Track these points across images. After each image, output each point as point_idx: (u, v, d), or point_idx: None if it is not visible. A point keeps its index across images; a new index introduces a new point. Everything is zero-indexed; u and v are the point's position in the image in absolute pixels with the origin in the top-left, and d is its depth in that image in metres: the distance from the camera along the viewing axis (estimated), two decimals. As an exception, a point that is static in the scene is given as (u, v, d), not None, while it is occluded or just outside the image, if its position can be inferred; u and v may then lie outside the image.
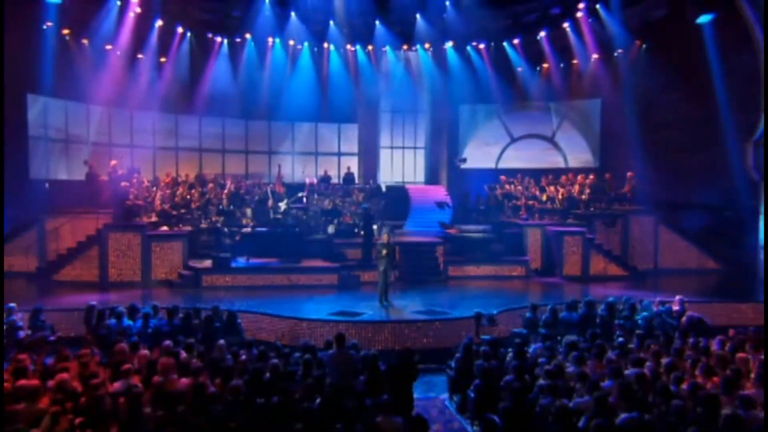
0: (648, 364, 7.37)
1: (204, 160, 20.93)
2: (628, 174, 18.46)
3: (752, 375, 7.10)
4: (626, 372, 7.03)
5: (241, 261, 15.51)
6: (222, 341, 8.52)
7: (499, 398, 7.00)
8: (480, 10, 17.86)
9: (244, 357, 8.28)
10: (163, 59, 18.43)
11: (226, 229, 16.14)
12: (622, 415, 5.55)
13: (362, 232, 16.42)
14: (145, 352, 8.10)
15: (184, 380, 6.72)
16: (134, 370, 7.17)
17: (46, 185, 16.48)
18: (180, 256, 15.47)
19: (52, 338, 10.21)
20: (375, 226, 16.78)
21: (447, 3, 17.90)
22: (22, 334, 10.35)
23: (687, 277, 16.93)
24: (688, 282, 16.09)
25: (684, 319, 11.02)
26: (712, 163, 17.56)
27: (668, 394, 6.12)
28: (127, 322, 10.62)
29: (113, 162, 17.11)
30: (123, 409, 6.09)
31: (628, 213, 17.76)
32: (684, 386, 6.50)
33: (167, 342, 8.37)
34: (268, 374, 6.99)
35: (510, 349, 8.64)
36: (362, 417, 6.20)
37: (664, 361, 7.55)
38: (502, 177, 20.97)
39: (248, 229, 16.05)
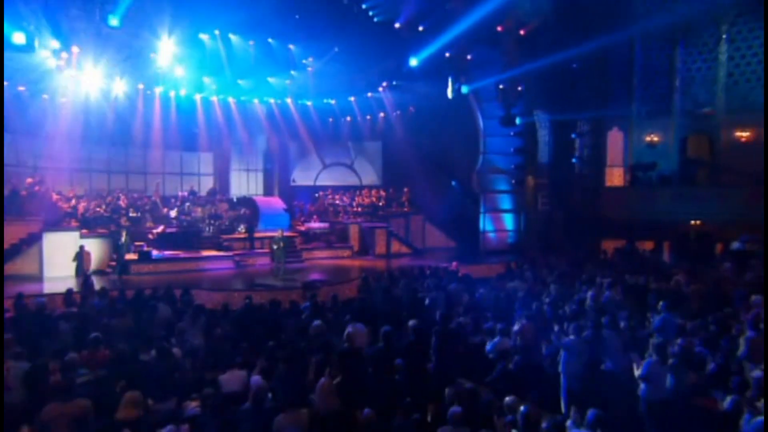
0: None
1: (92, 179, 20.25)
2: (405, 189, 22.61)
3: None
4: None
5: (159, 254, 16.12)
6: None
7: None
8: (315, 78, 20.46)
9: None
10: (64, 99, 17.67)
11: (149, 225, 16.54)
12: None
13: (245, 231, 18.05)
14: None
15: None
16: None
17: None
18: (107, 252, 15.56)
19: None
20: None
21: (292, 72, 20.12)
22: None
23: (442, 251, 20.73)
24: (444, 254, 19.65)
25: (460, 274, 14.91)
26: (454, 181, 22.37)
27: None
28: (102, 301, 11.16)
29: (29, 180, 16.28)
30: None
31: (407, 214, 21.87)
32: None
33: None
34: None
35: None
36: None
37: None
38: (320, 192, 23.90)
39: (160, 230, 16.65)
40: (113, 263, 15.43)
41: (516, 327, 8.27)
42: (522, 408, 4.45)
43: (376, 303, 11.04)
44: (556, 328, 7.61)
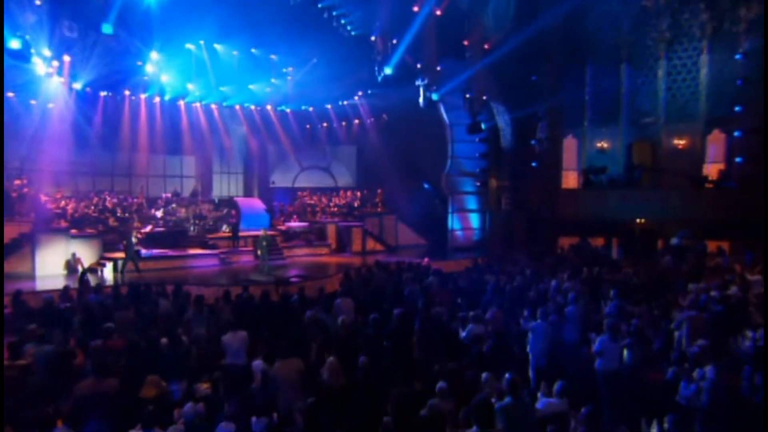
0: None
1: (78, 181, 19.94)
2: (378, 191, 22.98)
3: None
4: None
5: (147, 252, 16.03)
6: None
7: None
8: (294, 86, 20.70)
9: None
10: (51, 105, 17.34)
11: (137, 226, 16.45)
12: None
13: (229, 230, 18.15)
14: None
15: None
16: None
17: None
18: (98, 251, 15.42)
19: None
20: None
21: (272, 80, 20.33)
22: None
23: (413, 248, 20.94)
24: (416, 251, 19.94)
25: (431, 269, 15.41)
26: (425, 183, 22.86)
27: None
28: (98, 296, 11.19)
29: (17, 181, 16.01)
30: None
31: (381, 213, 22.22)
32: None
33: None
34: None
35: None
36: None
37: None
38: (299, 192, 24.08)
39: (147, 230, 16.60)
40: (105, 262, 15.31)
41: (488, 315, 8.87)
42: (507, 375, 4.98)
43: (359, 294, 11.50)
44: (526, 313, 8.23)
